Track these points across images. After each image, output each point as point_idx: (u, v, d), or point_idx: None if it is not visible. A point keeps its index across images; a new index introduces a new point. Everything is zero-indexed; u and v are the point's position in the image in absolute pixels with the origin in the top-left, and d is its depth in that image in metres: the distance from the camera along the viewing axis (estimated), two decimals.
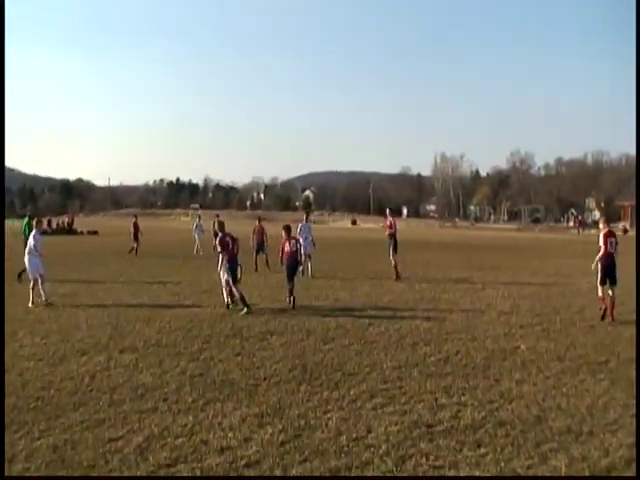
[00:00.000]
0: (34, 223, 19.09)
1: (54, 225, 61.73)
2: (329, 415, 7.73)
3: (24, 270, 18.72)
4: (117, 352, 10.95)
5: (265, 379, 9.32)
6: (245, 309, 15.01)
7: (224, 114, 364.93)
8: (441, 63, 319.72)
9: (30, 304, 16.04)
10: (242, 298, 15.27)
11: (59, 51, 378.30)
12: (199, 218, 37.58)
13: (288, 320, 14.02)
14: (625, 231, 69.71)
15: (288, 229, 17.22)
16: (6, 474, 5.58)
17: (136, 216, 36.60)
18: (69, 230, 60.61)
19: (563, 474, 5.99)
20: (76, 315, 14.53)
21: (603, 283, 14.81)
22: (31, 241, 17.13)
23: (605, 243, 14.94)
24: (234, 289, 15.60)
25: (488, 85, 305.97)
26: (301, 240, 21.88)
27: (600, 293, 14.88)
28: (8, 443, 6.70)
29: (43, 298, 16.47)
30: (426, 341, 12.05)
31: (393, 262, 23.13)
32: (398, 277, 22.75)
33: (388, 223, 24.05)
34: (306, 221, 25.49)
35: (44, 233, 42.04)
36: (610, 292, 14.72)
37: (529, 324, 13.91)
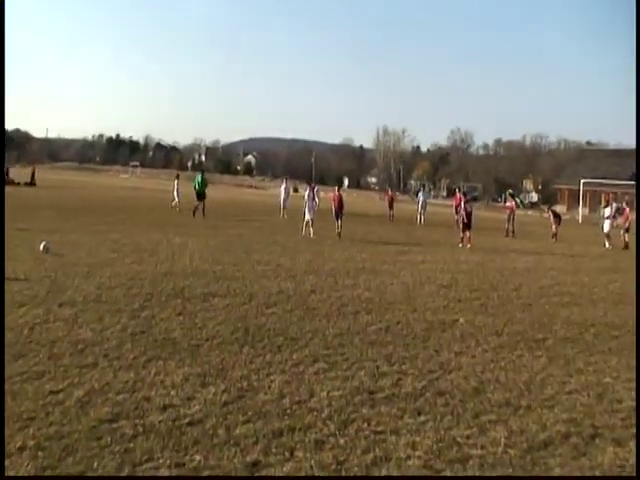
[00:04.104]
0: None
1: None
2: (272, 378, 7.74)
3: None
4: (56, 306, 10.76)
5: (207, 340, 9.28)
6: None
7: (167, 70, 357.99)
8: (388, 37, 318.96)
9: None
10: None
11: None
12: (177, 177, 37.77)
13: (230, 283, 13.97)
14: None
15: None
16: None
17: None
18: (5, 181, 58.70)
19: (502, 445, 6.13)
20: (14, 267, 14.15)
21: None
22: None
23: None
24: None
25: (430, 60, 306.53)
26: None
27: None
28: None
29: None
30: (367, 310, 12.15)
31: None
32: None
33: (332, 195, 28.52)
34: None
35: None
36: None
37: (467, 298, 14.14)
